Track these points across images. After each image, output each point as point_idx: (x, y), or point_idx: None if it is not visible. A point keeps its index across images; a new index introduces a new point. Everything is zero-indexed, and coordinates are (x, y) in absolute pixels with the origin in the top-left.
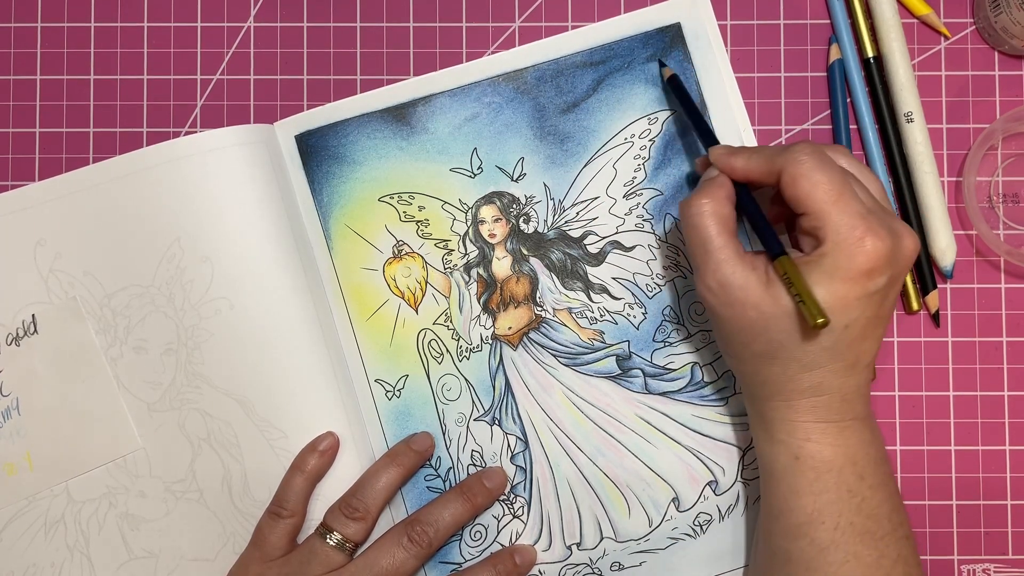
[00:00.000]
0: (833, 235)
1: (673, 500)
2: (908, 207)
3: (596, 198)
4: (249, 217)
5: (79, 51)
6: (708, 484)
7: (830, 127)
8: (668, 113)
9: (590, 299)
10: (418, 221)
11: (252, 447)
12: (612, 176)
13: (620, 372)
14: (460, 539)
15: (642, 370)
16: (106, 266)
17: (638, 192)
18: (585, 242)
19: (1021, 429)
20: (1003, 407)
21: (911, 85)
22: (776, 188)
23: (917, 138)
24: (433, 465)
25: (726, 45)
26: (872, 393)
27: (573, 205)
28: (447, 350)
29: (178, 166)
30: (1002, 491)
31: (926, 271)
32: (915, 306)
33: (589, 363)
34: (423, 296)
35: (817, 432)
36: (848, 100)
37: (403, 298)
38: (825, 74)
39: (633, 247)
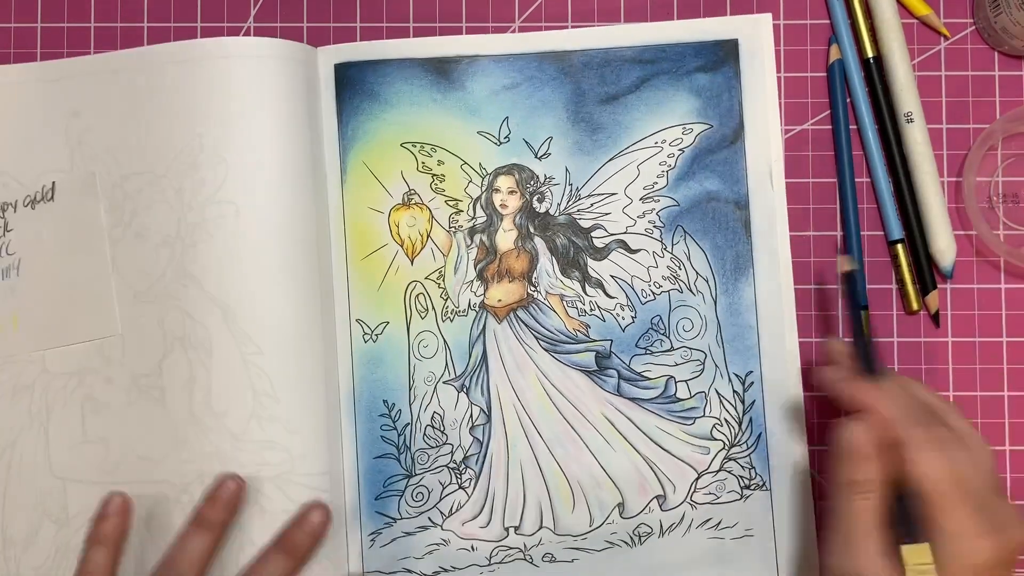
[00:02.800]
0: (952, 526)
1: (619, 505)
2: (908, 207)
3: (614, 194)
4: (274, 131)
5: (79, 51)
6: (656, 497)
7: (830, 127)
8: (705, 126)
9: (584, 291)
10: (434, 175)
11: (224, 357)
12: (634, 176)
13: (597, 369)
14: (401, 496)
15: (618, 371)
16: (128, 148)
17: (655, 198)
18: (592, 234)
19: (1021, 429)
20: (1003, 407)
21: (911, 85)
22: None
23: (917, 138)
24: (392, 416)
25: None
26: None
27: (589, 195)
28: (433, 307)
29: (219, 64)
30: (1002, 491)
31: (926, 271)
32: (915, 306)
33: (569, 353)
34: (422, 248)
35: None
36: (848, 100)
37: (402, 246)
38: (825, 74)
39: (638, 251)
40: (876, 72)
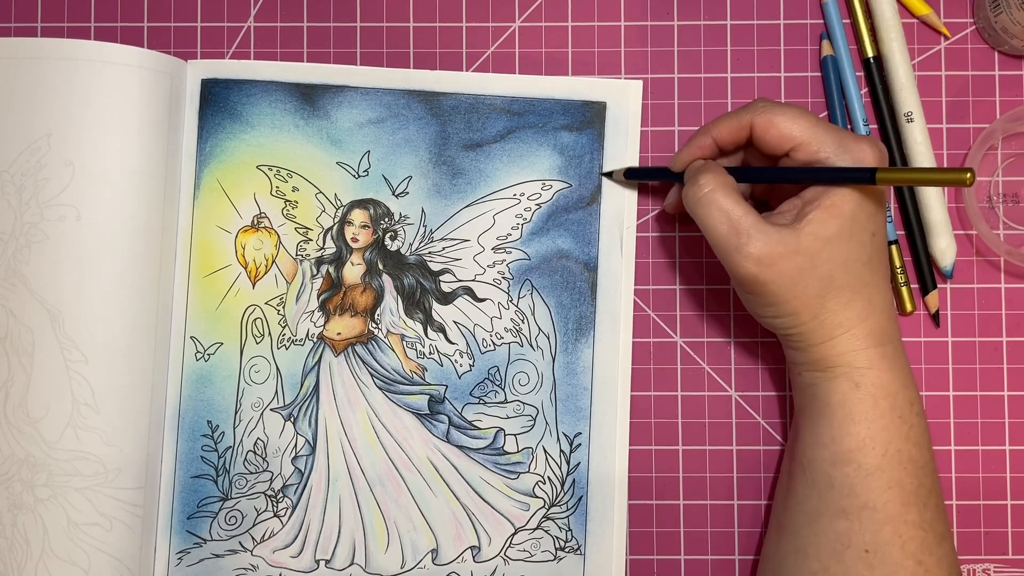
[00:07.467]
0: (835, 146)
1: (432, 551)
2: (908, 207)
3: (467, 240)
4: (130, 140)
5: None
6: (470, 548)
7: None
8: (564, 185)
9: (426, 333)
10: (288, 200)
11: (46, 362)
12: (489, 225)
13: (428, 413)
14: (214, 518)
15: (449, 418)
16: None
17: (507, 249)
18: (441, 278)
19: (1021, 429)
20: (1003, 407)
21: (911, 85)
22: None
23: (917, 138)
24: (214, 437)
25: (729, 49)
26: None
27: (443, 239)
28: (269, 333)
29: (79, 66)
30: (1002, 491)
31: (926, 271)
32: (908, 307)
33: (402, 394)
34: (265, 273)
35: (877, 357)
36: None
37: (245, 269)
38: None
39: (484, 300)
40: (876, 72)
